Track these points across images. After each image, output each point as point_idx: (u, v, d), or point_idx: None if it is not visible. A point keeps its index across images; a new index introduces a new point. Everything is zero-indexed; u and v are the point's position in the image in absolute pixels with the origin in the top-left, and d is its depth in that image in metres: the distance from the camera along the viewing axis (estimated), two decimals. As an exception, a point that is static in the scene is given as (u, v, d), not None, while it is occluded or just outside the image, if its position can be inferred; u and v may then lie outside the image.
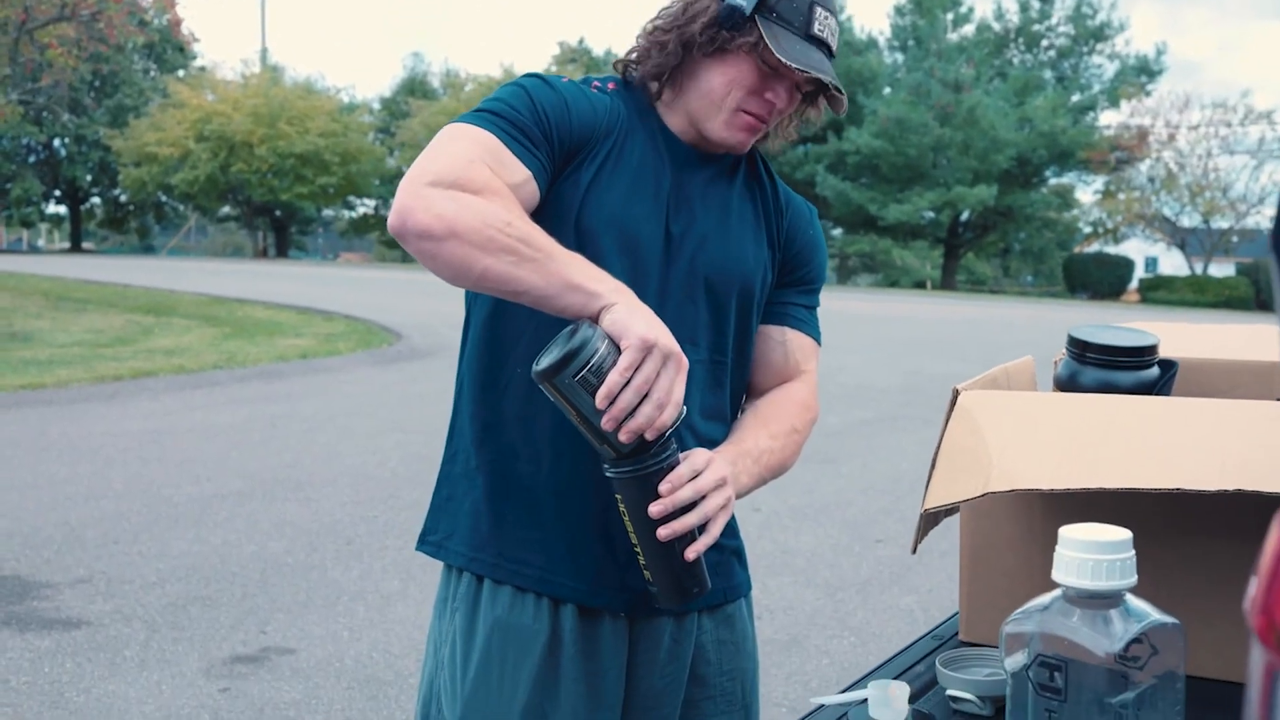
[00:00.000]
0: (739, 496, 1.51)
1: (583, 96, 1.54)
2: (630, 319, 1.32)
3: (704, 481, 1.40)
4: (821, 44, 1.54)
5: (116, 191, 50.06)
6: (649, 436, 1.33)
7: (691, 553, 1.40)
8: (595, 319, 1.33)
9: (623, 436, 1.32)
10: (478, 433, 1.58)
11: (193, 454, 7.51)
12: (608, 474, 1.38)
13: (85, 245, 52.80)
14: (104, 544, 5.41)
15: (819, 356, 1.76)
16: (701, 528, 1.41)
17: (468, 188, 1.36)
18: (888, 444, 8.41)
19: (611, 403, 1.30)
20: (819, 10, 1.54)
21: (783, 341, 1.70)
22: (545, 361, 1.31)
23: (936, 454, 1.39)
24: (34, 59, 19.77)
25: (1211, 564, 1.40)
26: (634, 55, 1.62)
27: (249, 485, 6.63)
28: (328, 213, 52.31)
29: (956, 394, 1.44)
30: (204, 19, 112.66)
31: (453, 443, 1.63)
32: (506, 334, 1.55)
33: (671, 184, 1.58)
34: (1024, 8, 42.69)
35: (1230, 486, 1.14)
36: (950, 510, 1.44)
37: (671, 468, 1.38)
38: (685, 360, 1.34)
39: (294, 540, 5.54)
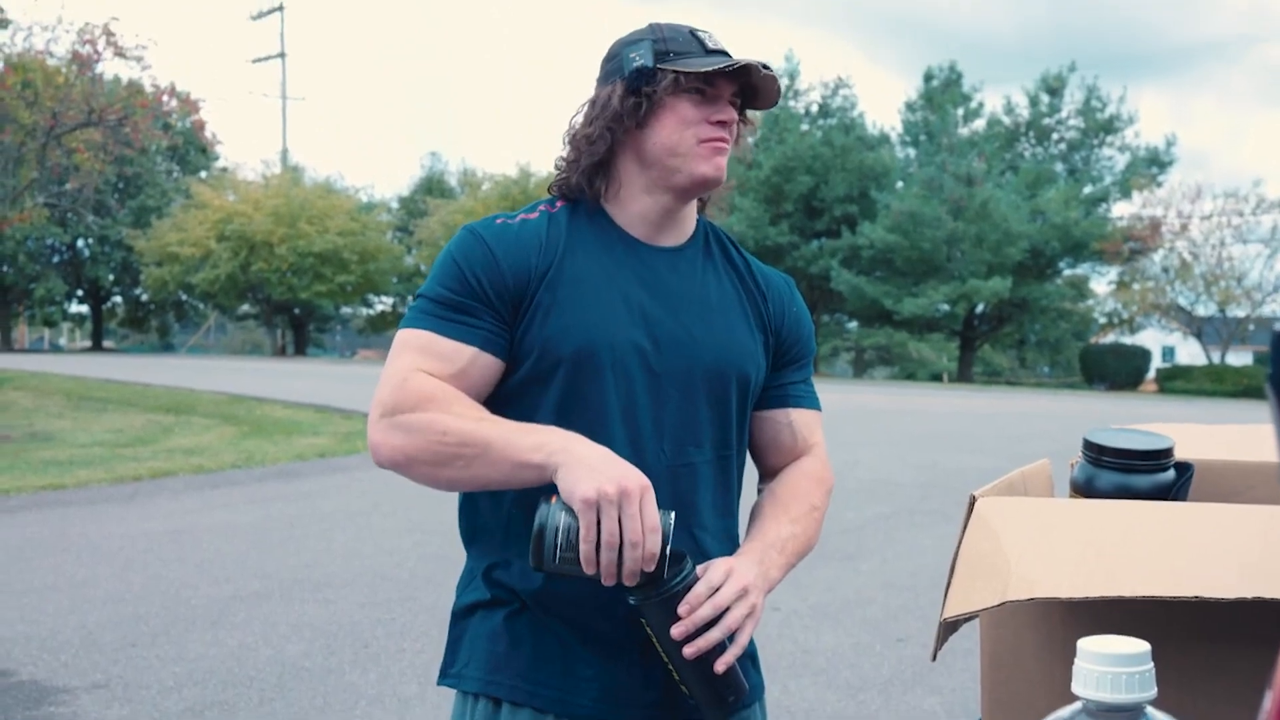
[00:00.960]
0: (770, 590, 1.52)
1: (511, 239, 1.56)
2: (571, 482, 1.36)
3: (723, 596, 1.42)
4: (723, 54, 1.60)
5: (138, 291, 50.64)
6: (646, 568, 1.36)
7: (721, 665, 1.41)
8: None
9: (626, 581, 1.36)
10: (485, 570, 1.61)
11: (211, 554, 7.51)
12: (631, 603, 1.41)
13: (106, 344, 53.33)
14: (121, 647, 5.40)
15: (822, 421, 1.78)
16: (732, 637, 1.42)
17: (406, 408, 1.46)
18: (906, 539, 8.35)
19: (596, 563, 1.35)
20: (700, 32, 1.61)
21: (788, 423, 1.72)
22: (529, 555, 1.38)
23: (954, 561, 1.40)
24: (61, 163, 20.13)
25: (1233, 671, 1.39)
26: (562, 169, 1.65)
27: (267, 586, 6.61)
28: (346, 310, 52.72)
29: (974, 500, 1.45)
30: (227, 121, 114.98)
31: (464, 579, 1.67)
32: None
33: (641, 286, 1.59)
34: (1034, 102, 43.23)
35: (1249, 594, 1.14)
36: (970, 617, 1.44)
37: (689, 587, 1.40)
38: (642, 484, 1.36)
39: (312, 642, 5.51)
